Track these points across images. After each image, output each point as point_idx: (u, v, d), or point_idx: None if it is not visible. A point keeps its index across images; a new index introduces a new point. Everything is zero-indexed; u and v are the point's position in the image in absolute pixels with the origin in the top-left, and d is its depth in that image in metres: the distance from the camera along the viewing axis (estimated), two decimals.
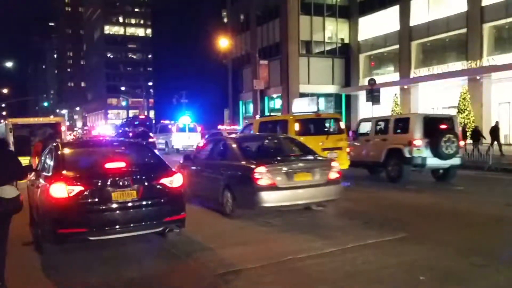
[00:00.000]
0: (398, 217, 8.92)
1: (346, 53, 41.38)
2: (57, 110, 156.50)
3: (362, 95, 37.66)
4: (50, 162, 7.09)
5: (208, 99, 61.34)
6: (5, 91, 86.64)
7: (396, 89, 35.23)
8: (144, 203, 6.55)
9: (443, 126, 13.60)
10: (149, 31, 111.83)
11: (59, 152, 7.05)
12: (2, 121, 41.39)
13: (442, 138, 13.08)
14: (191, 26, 71.23)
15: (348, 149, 14.18)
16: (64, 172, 6.49)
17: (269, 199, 8.20)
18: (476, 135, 22.71)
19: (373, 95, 26.26)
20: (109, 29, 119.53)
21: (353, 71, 40.77)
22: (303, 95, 40.22)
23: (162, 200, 6.71)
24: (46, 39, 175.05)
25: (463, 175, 14.81)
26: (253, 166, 8.33)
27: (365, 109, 36.97)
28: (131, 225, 6.50)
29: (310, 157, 9.49)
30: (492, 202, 10.44)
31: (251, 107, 43.34)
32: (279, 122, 14.47)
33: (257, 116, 31.14)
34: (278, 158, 9.21)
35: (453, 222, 8.44)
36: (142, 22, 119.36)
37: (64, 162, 6.81)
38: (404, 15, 34.90)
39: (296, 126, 13.40)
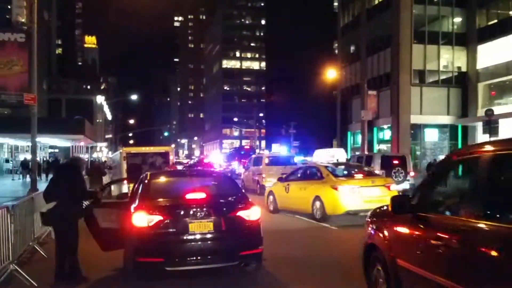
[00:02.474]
0: None
1: (463, 82, 38.98)
2: (178, 140, 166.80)
3: (480, 126, 35.06)
4: (137, 191, 7.48)
5: (317, 129, 61.29)
6: (131, 121, 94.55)
7: None
8: (220, 235, 6.56)
9: (395, 162, 19.65)
10: (263, 64, 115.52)
11: (146, 182, 7.37)
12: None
13: (392, 170, 18.80)
14: (303, 58, 72.30)
15: None
16: (147, 201, 6.78)
17: None
18: None
19: (491, 127, 24.48)
20: (226, 63, 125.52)
21: (470, 101, 38.21)
22: (414, 126, 38.64)
23: (238, 233, 6.68)
24: (171, 74, 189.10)
25: None
26: None
27: (483, 141, 34.42)
28: (206, 257, 6.56)
29: None
30: None
31: (359, 138, 42.38)
32: (260, 157, 25.29)
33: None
34: None
35: None
36: (257, 56, 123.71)
37: (148, 192, 7.08)
38: None
39: (266, 160, 23.15)
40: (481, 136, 34.59)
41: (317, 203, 12.52)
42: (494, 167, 3.65)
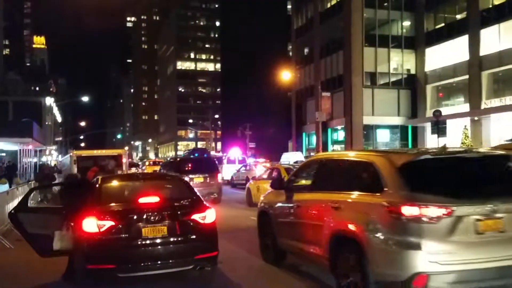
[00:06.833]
0: None
1: (412, 84, 40.27)
2: (132, 142, 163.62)
3: (429, 126, 36.29)
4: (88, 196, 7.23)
5: (273, 131, 61.74)
6: (83, 124, 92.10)
7: (466, 120, 33.64)
8: (174, 239, 6.46)
9: None
10: (218, 65, 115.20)
11: (96, 186, 7.19)
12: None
13: None
14: (258, 60, 72.71)
15: None
16: (97, 206, 6.58)
17: None
18: None
19: (439, 127, 25.38)
20: (181, 65, 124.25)
21: (419, 102, 39.50)
22: (367, 126, 39.58)
23: (193, 237, 6.56)
24: (124, 75, 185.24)
25: None
26: None
27: (432, 141, 35.62)
28: (161, 262, 6.42)
29: None
30: None
31: (314, 139, 43.01)
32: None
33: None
34: None
35: None
36: (212, 57, 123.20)
37: (99, 197, 6.91)
38: (474, 44, 33.52)
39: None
40: (430, 136, 35.81)
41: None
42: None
